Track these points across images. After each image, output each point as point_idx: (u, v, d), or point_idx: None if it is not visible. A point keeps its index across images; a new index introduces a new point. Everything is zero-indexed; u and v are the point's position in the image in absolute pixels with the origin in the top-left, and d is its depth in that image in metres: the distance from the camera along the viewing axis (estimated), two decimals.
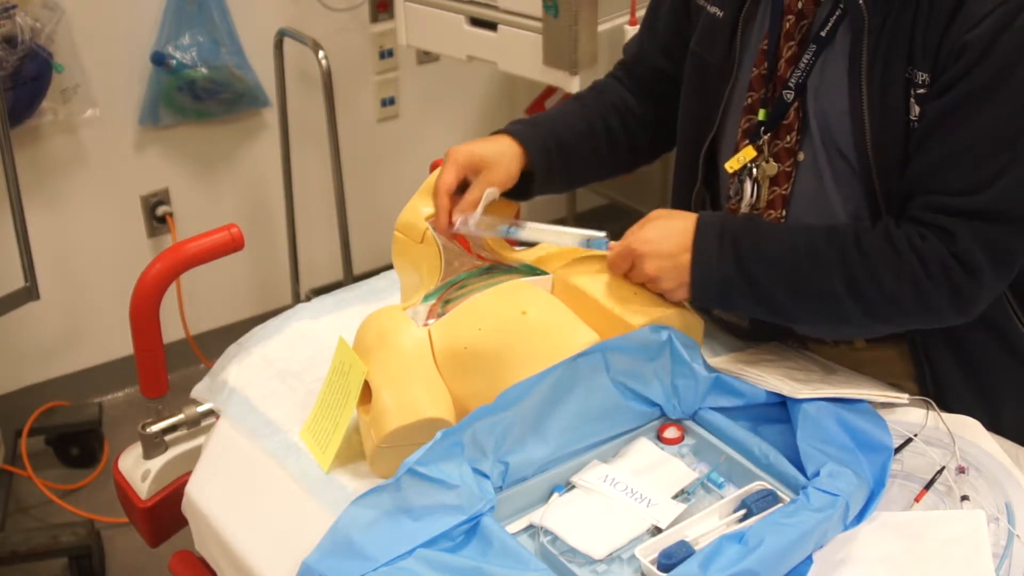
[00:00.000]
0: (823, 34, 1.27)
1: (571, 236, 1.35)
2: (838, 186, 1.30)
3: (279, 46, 2.67)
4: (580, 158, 1.47)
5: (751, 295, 1.26)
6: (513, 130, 1.42)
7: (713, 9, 1.38)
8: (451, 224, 1.34)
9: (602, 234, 1.33)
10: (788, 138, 1.31)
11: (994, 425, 1.28)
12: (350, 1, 2.88)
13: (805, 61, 1.28)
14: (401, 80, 3.07)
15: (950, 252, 1.20)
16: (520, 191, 1.42)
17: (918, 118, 1.22)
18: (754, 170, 1.34)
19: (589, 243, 1.33)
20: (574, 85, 2.22)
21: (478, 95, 3.24)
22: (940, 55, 1.18)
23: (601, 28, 2.22)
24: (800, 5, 1.28)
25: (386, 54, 3.00)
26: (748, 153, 1.34)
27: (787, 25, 1.29)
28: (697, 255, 1.26)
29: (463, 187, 1.37)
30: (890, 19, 1.21)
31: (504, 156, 1.38)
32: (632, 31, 2.20)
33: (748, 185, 1.35)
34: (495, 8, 2.29)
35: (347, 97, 2.88)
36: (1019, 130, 1.18)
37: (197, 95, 2.66)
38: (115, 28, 2.58)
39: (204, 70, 2.62)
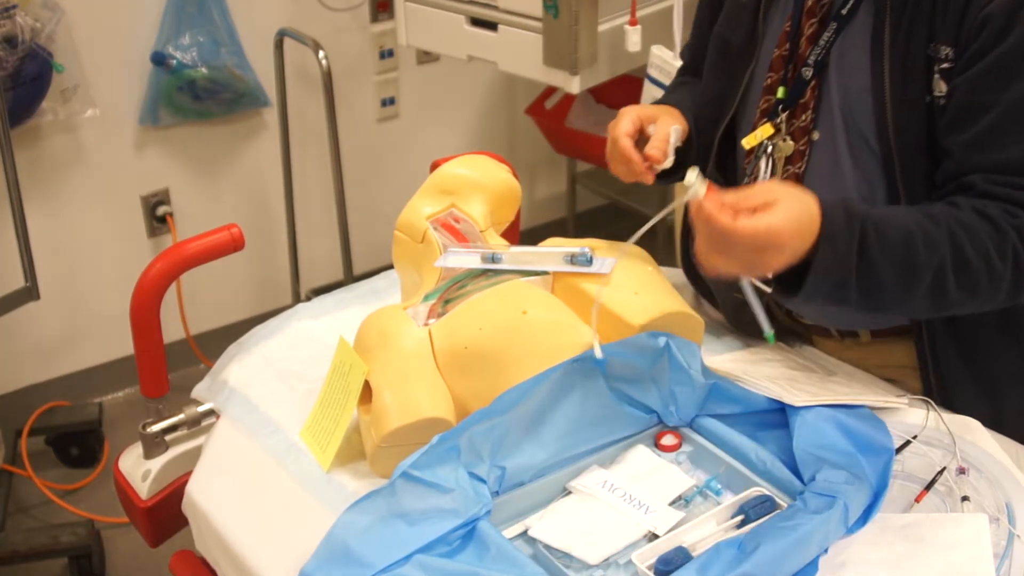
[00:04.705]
0: (844, 12, 1.27)
1: (553, 256, 1.34)
2: (855, 166, 1.30)
3: (279, 46, 2.67)
4: None
5: (865, 280, 1.16)
6: (660, 100, 1.49)
7: None
8: (646, 161, 1.33)
9: (583, 249, 1.32)
10: (804, 117, 1.31)
11: (995, 419, 1.28)
12: (350, 1, 2.88)
13: (825, 39, 1.28)
14: (401, 80, 3.07)
15: None
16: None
17: (946, 94, 1.21)
18: (770, 148, 1.34)
19: (573, 259, 1.32)
20: (574, 85, 2.22)
21: (478, 95, 3.24)
22: (962, 29, 1.19)
23: (601, 28, 2.22)
24: None
25: (386, 54, 3.00)
26: (766, 131, 1.34)
27: (808, 3, 1.30)
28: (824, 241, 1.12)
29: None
30: None
31: (670, 110, 1.43)
32: (632, 31, 2.20)
33: (763, 163, 1.35)
34: (495, 8, 2.29)
35: (347, 97, 2.88)
36: None
37: (197, 95, 2.66)
38: (115, 28, 2.58)
39: (204, 70, 2.62)
